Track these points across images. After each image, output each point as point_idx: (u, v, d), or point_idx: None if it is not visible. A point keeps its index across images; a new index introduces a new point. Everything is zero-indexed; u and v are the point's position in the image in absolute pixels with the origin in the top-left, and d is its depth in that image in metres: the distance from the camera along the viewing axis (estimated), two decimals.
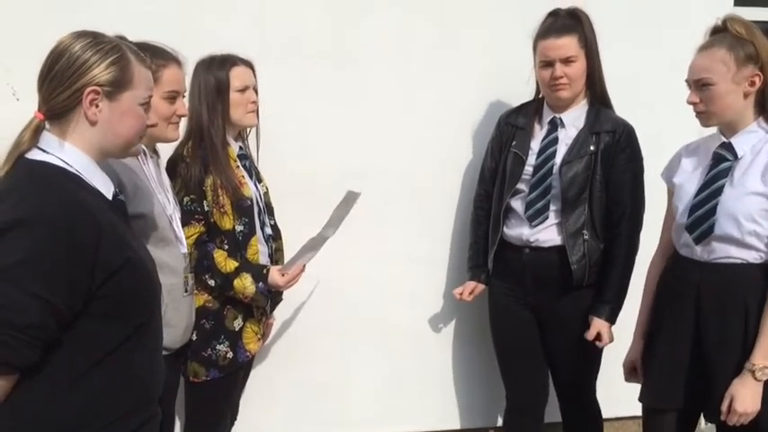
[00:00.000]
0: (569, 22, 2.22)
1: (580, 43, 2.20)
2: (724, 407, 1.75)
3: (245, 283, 2.00)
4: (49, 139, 1.25)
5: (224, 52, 2.10)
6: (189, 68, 1.98)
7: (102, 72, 1.24)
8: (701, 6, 2.72)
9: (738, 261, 1.78)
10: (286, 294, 2.32)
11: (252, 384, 2.36)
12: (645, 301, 2.05)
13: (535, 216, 2.25)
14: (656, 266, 2.04)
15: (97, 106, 1.25)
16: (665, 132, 2.52)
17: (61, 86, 1.23)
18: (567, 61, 2.19)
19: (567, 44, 2.18)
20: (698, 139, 1.99)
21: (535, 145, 2.30)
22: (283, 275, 2.05)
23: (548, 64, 2.21)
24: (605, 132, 2.21)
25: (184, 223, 1.98)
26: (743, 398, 1.73)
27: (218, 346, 2.03)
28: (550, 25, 2.23)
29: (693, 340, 1.84)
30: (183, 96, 1.89)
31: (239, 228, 2.05)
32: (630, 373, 2.08)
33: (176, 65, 1.83)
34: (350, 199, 2.04)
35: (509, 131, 2.38)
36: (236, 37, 2.28)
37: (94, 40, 1.26)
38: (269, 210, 2.26)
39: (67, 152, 1.24)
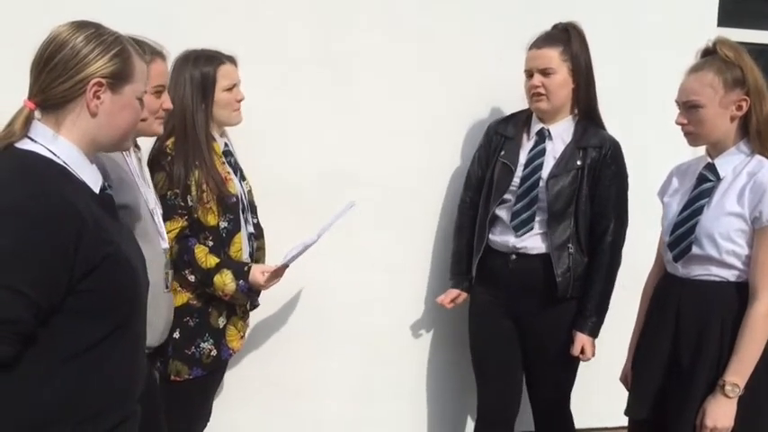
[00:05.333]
0: (556, 35, 2.23)
1: (563, 56, 2.21)
2: (697, 422, 1.78)
3: (226, 280, 1.98)
4: (40, 128, 1.23)
5: (208, 48, 2.09)
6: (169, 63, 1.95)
7: (106, 64, 1.23)
8: (686, 26, 2.77)
9: (718, 279, 1.81)
10: (263, 297, 2.30)
11: (226, 385, 2.34)
12: (640, 318, 2.07)
13: (520, 226, 2.26)
14: (650, 283, 2.06)
15: (99, 98, 1.24)
16: (650, 149, 2.56)
17: (63, 76, 1.21)
18: (544, 72, 2.21)
19: (547, 55, 2.20)
20: (689, 159, 2.02)
21: (523, 156, 2.30)
22: (264, 274, 2.02)
23: (529, 74, 2.24)
24: (592, 147, 2.23)
25: (167, 218, 1.96)
26: (714, 413, 1.75)
27: (202, 344, 2.01)
28: (539, 36, 2.25)
29: (671, 354, 1.86)
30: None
31: (223, 224, 2.04)
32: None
33: (162, 59, 1.82)
34: (346, 207, 2.06)
35: (498, 141, 2.38)
36: (221, 37, 2.25)
37: (97, 31, 1.25)
38: (252, 208, 2.24)
39: (59, 143, 1.23)
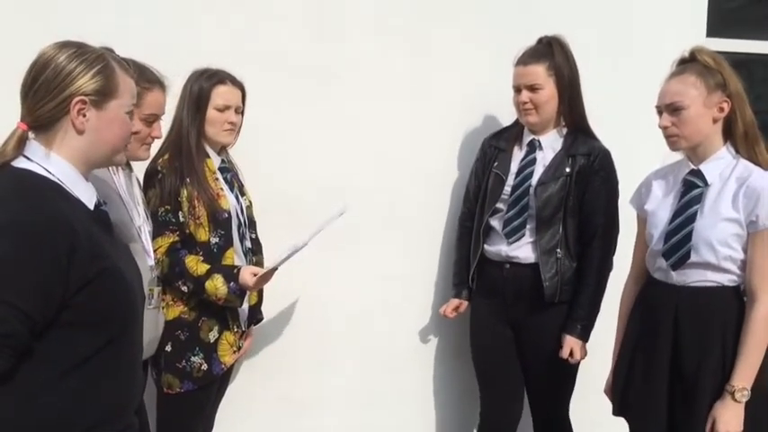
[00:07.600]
0: (541, 50, 2.28)
1: (549, 71, 2.25)
2: (707, 429, 1.78)
3: (217, 284, 1.99)
4: (34, 147, 1.25)
5: (218, 68, 2.13)
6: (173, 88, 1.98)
7: (88, 81, 1.25)
8: (674, 36, 2.79)
9: (714, 284, 1.82)
10: (265, 308, 2.31)
11: (228, 399, 2.34)
12: (620, 326, 2.07)
13: (512, 233, 2.30)
14: (629, 292, 2.07)
15: (84, 115, 1.25)
16: (640, 157, 2.58)
17: (47, 97, 1.23)
18: (532, 88, 2.26)
19: (533, 72, 2.25)
20: (664, 165, 2.02)
21: (515, 166, 2.35)
22: (254, 276, 2.03)
23: (517, 89, 2.30)
24: (581, 155, 2.26)
25: (158, 233, 1.98)
26: (725, 420, 1.75)
27: (192, 358, 2.02)
28: (524, 52, 2.30)
29: (672, 363, 1.86)
30: (161, 119, 1.90)
31: (214, 240, 2.05)
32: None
33: (160, 88, 1.84)
34: (337, 212, 2.08)
35: (491, 153, 2.43)
36: (217, 50, 2.29)
37: (79, 49, 1.27)
38: (251, 223, 2.26)
39: (52, 161, 1.24)
